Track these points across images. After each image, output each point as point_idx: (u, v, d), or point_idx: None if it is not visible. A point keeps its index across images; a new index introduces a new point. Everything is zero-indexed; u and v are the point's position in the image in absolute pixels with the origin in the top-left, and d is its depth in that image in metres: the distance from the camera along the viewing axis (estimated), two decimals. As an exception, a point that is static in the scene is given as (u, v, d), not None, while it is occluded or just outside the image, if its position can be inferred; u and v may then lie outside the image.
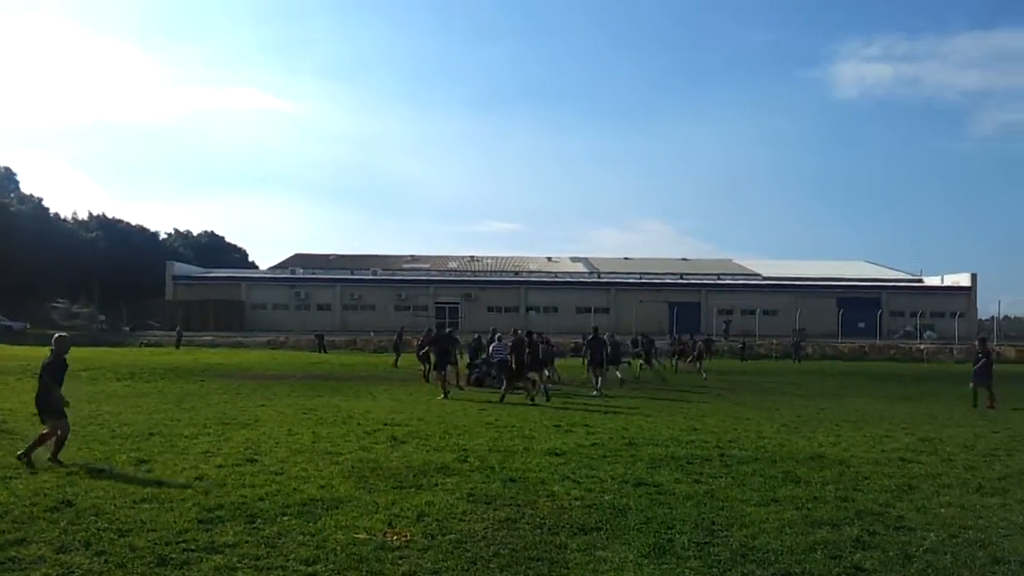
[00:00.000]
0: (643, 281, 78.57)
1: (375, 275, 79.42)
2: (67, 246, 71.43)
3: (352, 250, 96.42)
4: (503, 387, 20.20)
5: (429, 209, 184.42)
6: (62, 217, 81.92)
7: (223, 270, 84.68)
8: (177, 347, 49.78)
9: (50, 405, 9.92)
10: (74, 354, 33.87)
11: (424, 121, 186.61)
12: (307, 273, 79.66)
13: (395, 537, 6.67)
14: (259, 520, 7.17)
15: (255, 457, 10.49)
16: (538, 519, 7.46)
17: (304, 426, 13.87)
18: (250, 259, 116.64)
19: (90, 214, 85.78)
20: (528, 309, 74.13)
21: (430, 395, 20.48)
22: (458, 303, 74.91)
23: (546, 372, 22.84)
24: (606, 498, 8.42)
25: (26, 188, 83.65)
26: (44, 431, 9.99)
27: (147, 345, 53.17)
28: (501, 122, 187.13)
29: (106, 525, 6.82)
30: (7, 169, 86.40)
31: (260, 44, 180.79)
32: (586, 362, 24.34)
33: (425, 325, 67.52)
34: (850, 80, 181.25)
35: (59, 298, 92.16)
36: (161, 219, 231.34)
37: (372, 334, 57.81)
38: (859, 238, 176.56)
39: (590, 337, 24.49)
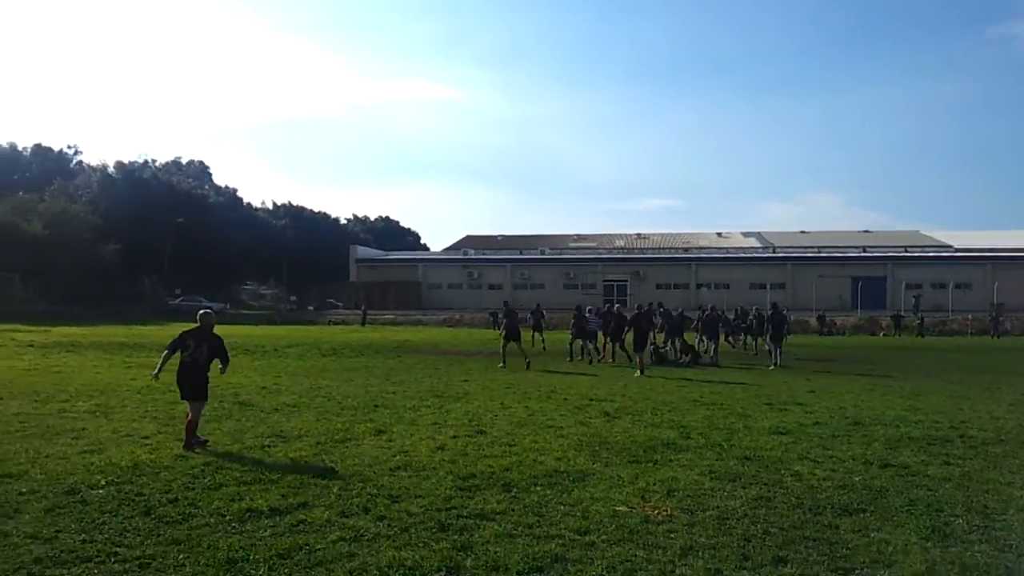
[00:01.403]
0: (822, 255, 75.05)
1: (543, 255, 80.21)
2: (259, 233, 76.41)
3: (518, 230, 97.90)
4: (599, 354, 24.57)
5: (589, 188, 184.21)
6: (254, 207, 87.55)
7: (401, 252, 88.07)
8: (363, 325, 52.25)
9: (204, 383, 9.60)
10: (277, 332, 36.23)
11: (582, 101, 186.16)
12: (478, 254, 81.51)
13: (656, 511, 6.63)
14: (515, 489, 7.34)
15: (482, 429, 10.78)
16: (792, 498, 7.21)
17: (513, 400, 14.14)
18: (422, 241, 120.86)
19: (275, 204, 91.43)
20: (699, 286, 72.56)
21: (619, 371, 20.44)
22: (626, 281, 74.39)
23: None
24: (856, 479, 8.05)
25: (219, 180, 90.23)
26: (192, 418, 9.34)
27: (334, 323, 56.12)
28: (658, 98, 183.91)
29: (375, 491, 7.16)
30: (201, 163, 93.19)
31: (426, 36, 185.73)
32: (768, 337, 24.86)
33: (593, 303, 67.62)
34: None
35: (248, 281, 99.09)
36: (339, 205, 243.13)
37: (530, 314, 58.34)
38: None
39: (771, 313, 24.61)
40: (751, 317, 32.06)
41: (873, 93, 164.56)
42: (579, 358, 24.27)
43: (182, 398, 9.62)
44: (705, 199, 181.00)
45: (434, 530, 6.05)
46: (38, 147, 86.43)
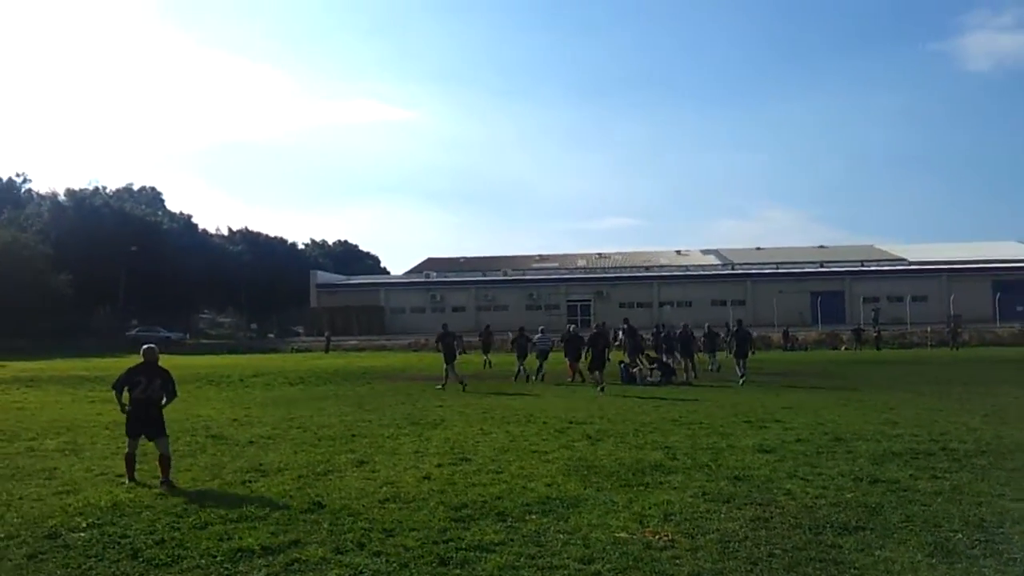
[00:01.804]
0: (781, 271, 76.07)
1: (506, 276, 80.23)
2: (216, 260, 75.27)
3: (479, 252, 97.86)
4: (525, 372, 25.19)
5: (546, 209, 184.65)
6: (209, 233, 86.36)
7: (362, 277, 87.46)
8: (326, 351, 51.61)
9: (161, 417, 9.38)
10: (240, 361, 35.57)
11: (532, 119, 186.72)
12: (440, 276, 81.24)
13: (656, 537, 6.53)
14: (509, 518, 7.19)
15: (466, 456, 10.60)
16: (790, 518, 7.16)
17: (492, 425, 13.98)
18: (382, 265, 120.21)
19: (230, 229, 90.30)
20: (661, 304, 73.04)
21: (590, 392, 20.38)
22: (590, 301, 74.67)
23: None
24: (848, 496, 8.04)
25: (172, 206, 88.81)
26: (163, 453, 9.13)
27: (297, 351, 55.40)
28: (609, 115, 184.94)
29: (367, 526, 6.96)
30: (153, 189, 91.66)
31: (376, 57, 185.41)
32: (733, 353, 25.17)
33: (556, 324, 67.74)
34: (981, 52, 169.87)
35: (205, 309, 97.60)
36: (295, 229, 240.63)
37: (509, 334, 58.24)
38: (1011, 217, 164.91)
39: (735, 329, 25.00)
40: (702, 335, 32.40)
41: (822, 106, 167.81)
42: (534, 379, 24.71)
43: (136, 435, 9.18)
44: (661, 217, 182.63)
45: (434, 564, 5.88)
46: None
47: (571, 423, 14.05)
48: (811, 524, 6.95)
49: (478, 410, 16.64)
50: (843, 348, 49.93)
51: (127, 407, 9.21)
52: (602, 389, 20.42)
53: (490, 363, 30.21)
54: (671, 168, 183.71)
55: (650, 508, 7.55)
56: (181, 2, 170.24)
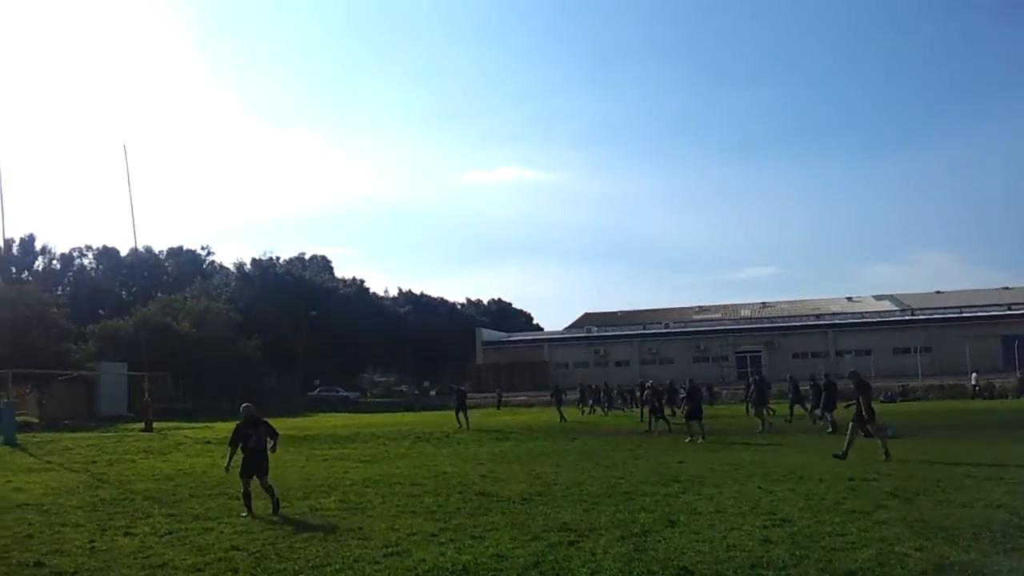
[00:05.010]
0: (965, 315, 70.91)
1: (668, 328, 78.71)
2: (386, 321, 77.61)
3: (630, 306, 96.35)
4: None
5: (685, 261, 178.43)
6: (378, 295, 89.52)
7: (525, 333, 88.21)
8: (498, 408, 51.67)
9: (267, 459, 11.45)
10: (427, 419, 35.87)
11: (676, 175, 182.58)
12: (601, 331, 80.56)
13: None
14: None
15: (782, 517, 9.73)
16: None
17: (765, 482, 12.98)
18: (535, 321, 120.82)
19: (400, 290, 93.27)
20: (838, 353, 69.46)
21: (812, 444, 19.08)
22: (759, 351, 71.99)
23: None
24: None
25: (338, 272, 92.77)
26: (270, 486, 11.34)
27: (469, 407, 55.78)
28: (757, 165, 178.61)
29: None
30: (323, 257, 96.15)
31: (516, 121, 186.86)
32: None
33: (728, 376, 65.50)
34: None
35: (368, 369, 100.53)
36: (450, 289, 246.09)
37: (682, 389, 56.73)
38: None
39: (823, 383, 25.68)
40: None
41: (985, 146, 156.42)
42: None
43: (250, 476, 11.23)
44: (805, 265, 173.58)
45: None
46: (171, 249, 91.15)
47: (852, 479, 12.95)
48: None
49: (726, 465, 15.75)
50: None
51: (241, 456, 11.35)
52: (702, 438, 21.64)
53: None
54: (817, 215, 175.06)
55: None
56: (336, 84, 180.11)
